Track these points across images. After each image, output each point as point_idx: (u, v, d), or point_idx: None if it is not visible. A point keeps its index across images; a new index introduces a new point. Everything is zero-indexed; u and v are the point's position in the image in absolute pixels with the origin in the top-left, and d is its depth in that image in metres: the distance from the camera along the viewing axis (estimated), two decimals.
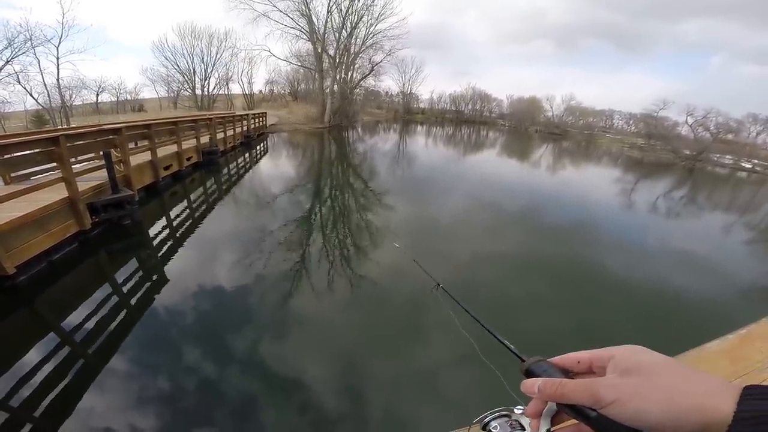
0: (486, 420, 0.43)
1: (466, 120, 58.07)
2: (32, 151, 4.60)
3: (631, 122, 47.35)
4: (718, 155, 29.80)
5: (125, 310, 3.82)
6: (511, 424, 0.43)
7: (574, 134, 45.93)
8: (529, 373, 0.40)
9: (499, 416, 0.43)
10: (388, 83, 50.29)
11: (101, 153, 5.74)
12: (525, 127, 51.06)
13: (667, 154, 30.99)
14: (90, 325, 3.42)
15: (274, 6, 27.82)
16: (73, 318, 3.49)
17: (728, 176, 24.11)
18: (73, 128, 7.83)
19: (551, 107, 52.77)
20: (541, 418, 0.38)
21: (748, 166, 27.81)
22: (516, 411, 0.44)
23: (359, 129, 33.43)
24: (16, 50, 23.77)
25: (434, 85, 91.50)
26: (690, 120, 34.20)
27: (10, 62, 23.76)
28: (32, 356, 2.97)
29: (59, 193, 4.70)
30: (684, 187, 16.87)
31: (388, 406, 2.80)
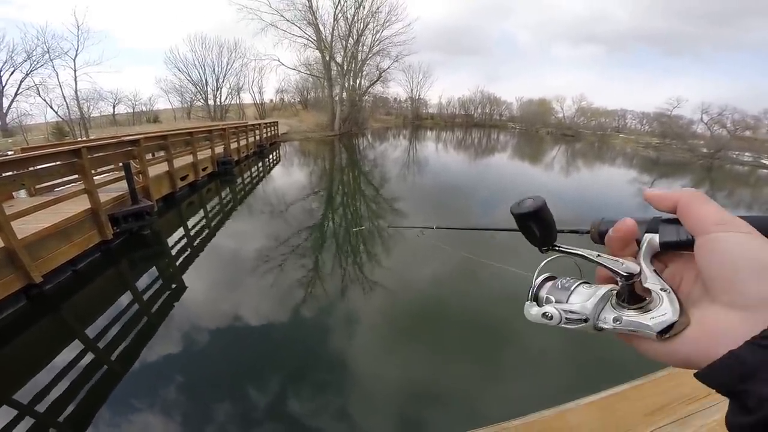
0: (535, 291, 0.34)
1: (476, 124, 57.87)
2: (56, 163, 4.76)
3: (644, 122, 46.55)
4: (736, 153, 29.01)
5: (146, 318, 3.91)
6: (564, 281, 0.34)
7: (586, 135, 45.33)
8: (603, 236, 0.35)
9: (545, 281, 0.35)
10: (397, 89, 50.47)
11: (120, 164, 5.92)
12: (536, 129, 50.63)
13: (683, 152, 30.30)
14: (113, 332, 3.51)
15: (282, 16, 28.42)
16: (97, 325, 3.58)
17: (748, 174, 23.44)
18: (94, 140, 8.09)
19: (562, 108, 52.32)
20: (642, 258, 0.32)
21: None
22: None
23: (369, 136, 33.61)
24: (35, 63, 24.80)
25: (443, 90, 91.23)
26: (705, 117, 33.47)
27: (29, 75, 24.79)
28: (58, 362, 3.06)
29: (82, 204, 4.85)
30: (703, 186, 16.45)
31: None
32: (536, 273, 0.35)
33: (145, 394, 2.83)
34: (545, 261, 0.36)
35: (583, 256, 0.34)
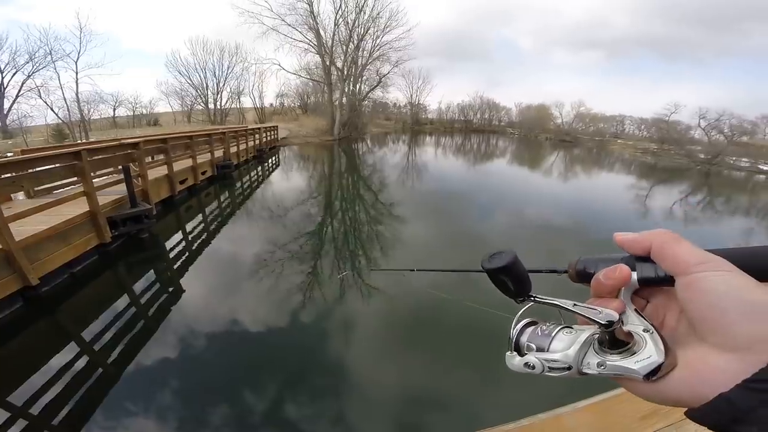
0: (514, 339, 0.34)
1: (475, 129, 58.10)
2: (55, 166, 4.76)
3: (642, 127, 46.73)
4: (734, 158, 29.13)
5: (143, 321, 3.91)
6: (544, 328, 0.34)
7: (584, 141, 45.48)
8: (581, 275, 0.35)
9: (526, 326, 0.35)
10: (396, 94, 50.65)
11: (119, 167, 5.93)
12: (535, 135, 50.81)
13: (681, 158, 30.43)
14: (109, 335, 3.51)
15: (283, 20, 28.60)
16: (93, 328, 3.58)
17: (745, 179, 23.52)
18: (94, 142, 8.11)
19: (560, 114, 52.56)
20: (622, 297, 0.32)
21: (767, 168, 27.10)
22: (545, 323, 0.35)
23: (368, 141, 33.72)
24: (37, 65, 24.88)
25: (442, 95, 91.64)
26: (703, 123, 33.62)
27: (31, 76, 24.86)
28: (53, 364, 3.06)
29: (80, 207, 4.86)
30: (700, 192, 16.51)
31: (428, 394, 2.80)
32: (514, 322, 0.35)
33: (140, 397, 2.83)
34: (521, 310, 0.35)
35: (559, 305, 0.33)
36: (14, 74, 24.98)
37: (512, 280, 0.34)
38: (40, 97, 25.76)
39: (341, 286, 4.67)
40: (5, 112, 24.88)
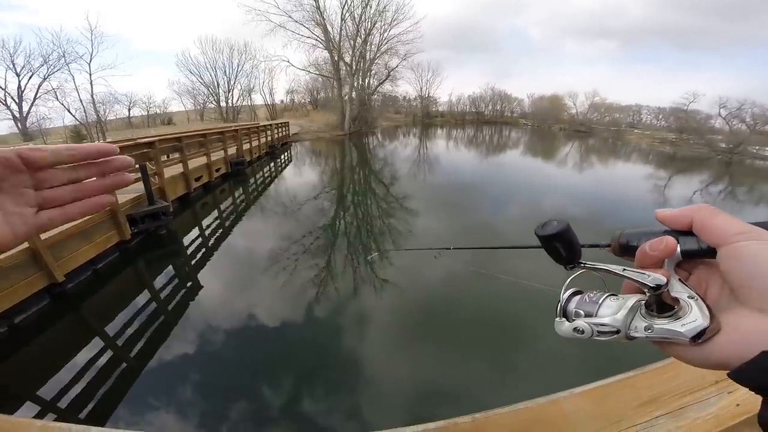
0: (563, 307, 0.35)
1: (487, 121, 57.42)
2: None
3: (660, 117, 45.49)
4: (757, 147, 28.14)
5: (163, 316, 3.99)
6: (591, 295, 0.35)
7: (600, 131, 44.52)
8: (624, 249, 0.36)
9: (572, 296, 0.35)
10: (406, 88, 50.32)
11: (137, 166, 6.03)
12: (548, 126, 49.98)
13: (701, 148, 29.56)
14: (131, 330, 3.59)
15: (290, 17, 28.63)
16: (116, 323, 3.67)
17: None
18: (111, 143, 8.25)
19: (574, 104, 51.52)
20: (666, 267, 0.33)
21: None
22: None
23: (379, 135, 33.65)
24: (52, 67, 25.51)
25: (453, 87, 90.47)
26: (723, 112, 32.54)
27: (47, 79, 25.50)
28: (79, 359, 3.15)
29: None
30: (722, 181, 16.01)
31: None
32: (563, 289, 0.36)
33: (162, 391, 2.89)
34: (571, 277, 0.36)
35: (609, 270, 0.34)
36: (30, 77, 25.65)
37: (565, 246, 0.35)
38: (57, 99, 26.47)
39: (360, 272, 4.71)
40: (24, 115, 25.60)
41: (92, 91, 27.84)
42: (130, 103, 34.61)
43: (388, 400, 2.86)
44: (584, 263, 0.36)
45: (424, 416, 2.71)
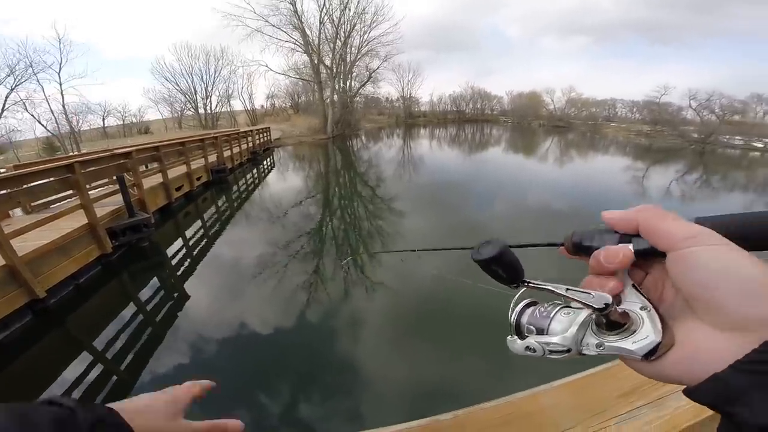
0: (515, 320, 0.34)
1: (468, 119, 58.04)
2: (49, 180, 4.74)
3: (634, 110, 46.81)
4: (727, 137, 29.25)
5: (151, 328, 3.95)
6: (542, 309, 0.34)
7: (578, 126, 45.50)
8: (578, 248, 0.35)
9: (526, 307, 0.35)
10: (388, 89, 50.49)
11: (114, 178, 5.92)
12: (528, 122, 50.83)
13: (675, 139, 30.52)
14: (119, 343, 3.55)
15: (267, 21, 28.44)
16: (103, 336, 3.62)
17: (740, 156, 23.66)
18: (86, 154, 8.07)
19: (552, 100, 52.57)
20: (621, 278, 0.31)
21: (761, 145, 27.24)
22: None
23: (363, 137, 33.64)
24: (19, 77, 24.54)
25: (434, 87, 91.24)
26: (693, 103, 33.71)
27: (14, 89, 24.53)
28: (67, 375, 3.10)
29: (79, 219, 4.86)
30: (696, 170, 16.61)
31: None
32: (512, 305, 0.35)
33: None
34: (517, 295, 0.35)
35: (553, 291, 0.33)
36: None
37: (503, 268, 0.33)
38: (27, 110, 25.50)
39: (344, 276, 4.74)
40: None
41: (63, 101, 27.02)
42: (105, 112, 33.80)
43: (378, 400, 2.91)
44: (528, 282, 0.34)
45: (414, 413, 2.77)
